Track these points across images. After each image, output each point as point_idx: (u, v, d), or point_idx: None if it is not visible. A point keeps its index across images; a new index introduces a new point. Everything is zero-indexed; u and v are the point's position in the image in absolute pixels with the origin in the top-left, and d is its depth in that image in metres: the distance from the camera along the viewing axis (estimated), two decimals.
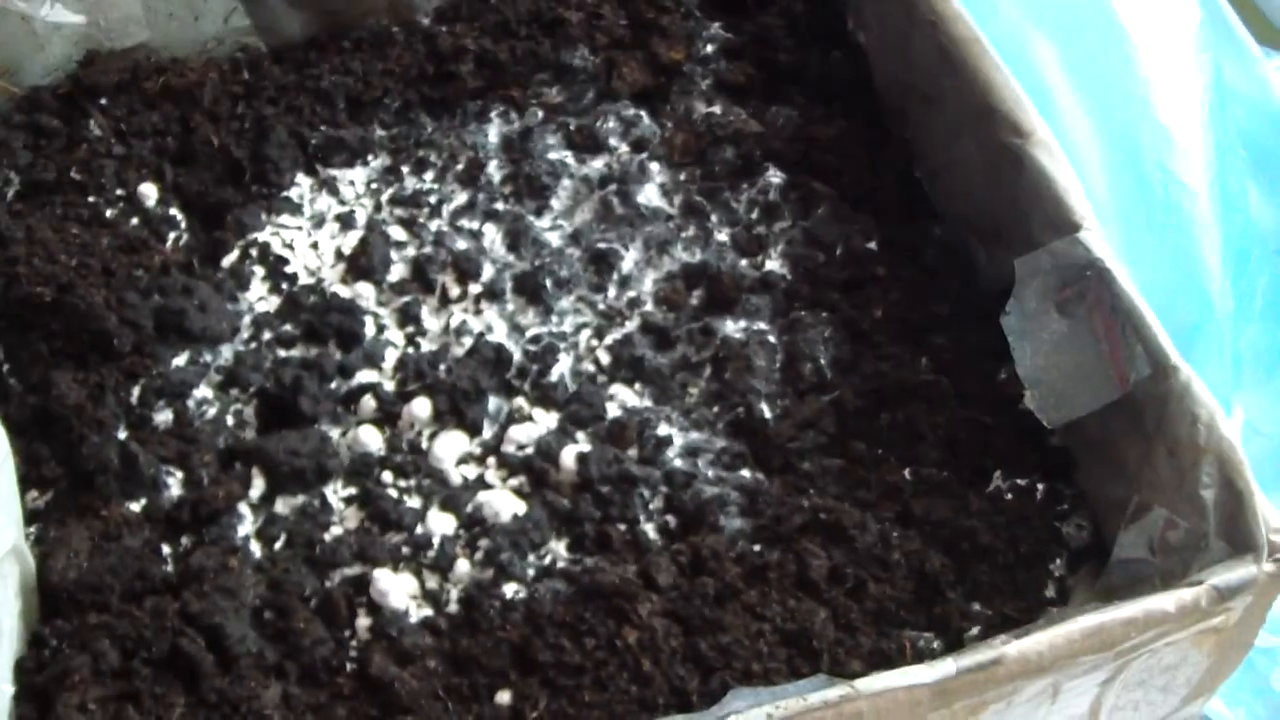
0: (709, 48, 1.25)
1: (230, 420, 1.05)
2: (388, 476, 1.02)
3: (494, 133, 1.22)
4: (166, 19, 1.25)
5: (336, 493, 1.01)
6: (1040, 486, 0.98)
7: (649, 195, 1.16)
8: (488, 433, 1.04)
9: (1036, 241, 1.00)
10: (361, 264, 1.12)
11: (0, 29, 1.20)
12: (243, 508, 1.00)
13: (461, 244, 1.13)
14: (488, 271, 1.11)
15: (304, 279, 1.13)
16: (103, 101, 1.21)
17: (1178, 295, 0.97)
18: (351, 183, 1.19)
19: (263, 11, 1.26)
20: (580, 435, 1.03)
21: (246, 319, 1.10)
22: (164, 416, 1.05)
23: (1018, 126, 1.03)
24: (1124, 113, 1.30)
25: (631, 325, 1.09)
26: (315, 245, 1.15)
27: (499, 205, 1.16)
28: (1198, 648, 0.85)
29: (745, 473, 1.01)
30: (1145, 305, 0.93)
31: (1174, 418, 0.90)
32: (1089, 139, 1.29)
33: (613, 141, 1.19)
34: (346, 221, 1.16)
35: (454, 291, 1.11)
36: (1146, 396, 0.92)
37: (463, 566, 0.96)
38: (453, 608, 0.95)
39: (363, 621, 0.94)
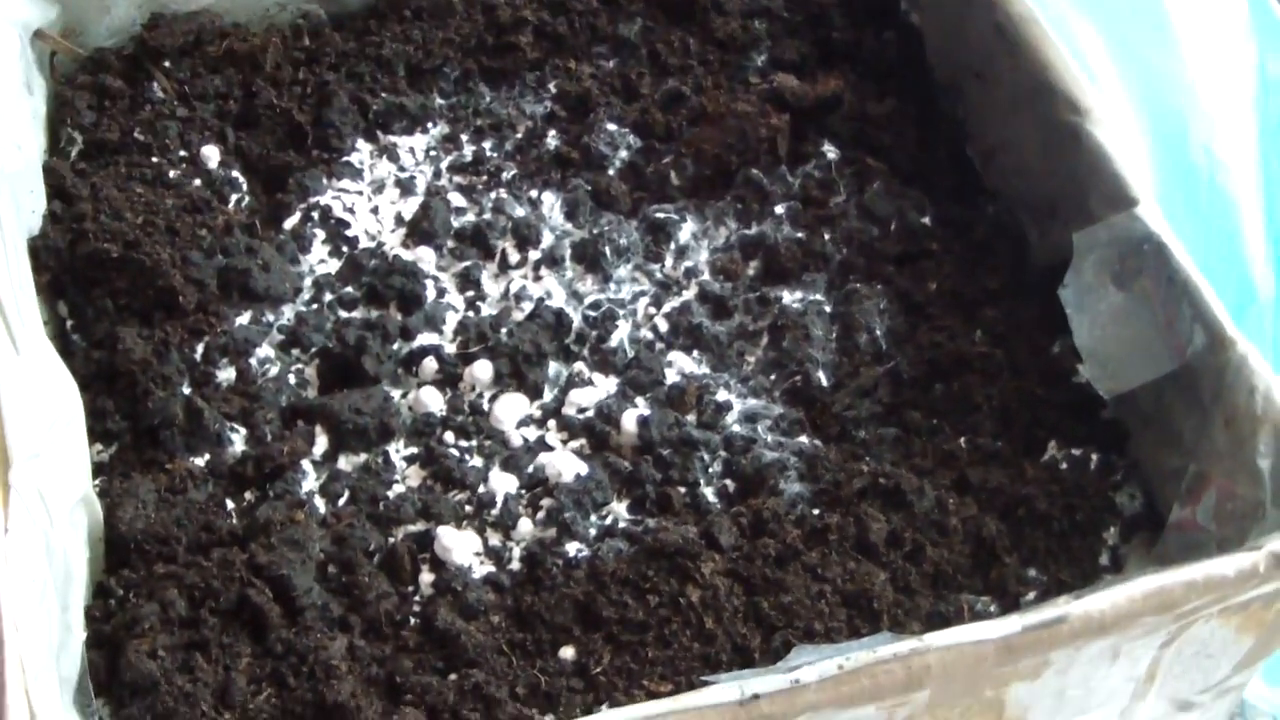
0: (763, 24, 1.27)
1: (292, 379, 1.07)
2: (449, 436, 1.03)
3: (552, 104, 1.23)
4: None
5: (399, 451, 1.03)
6: (1094, 457, 1.00)
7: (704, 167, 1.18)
8: (548, 396, 1.05)
9: (1093, 217, 1.01)
10: (422, 229, 1.14)
11: None
12: (306, 464, 1.02)
13: (520, 211, 1.15)
14: (547, 239, 1.13)
15: (364, 242, 1.14)
16: (166, 64, 1.23)
17: (1220, 278, 0.98)
18: (411, 149, 1.21)
19: None
20: (640, 400, 1.04)
21: (308, 280, 1.12)
22: (227, 374, 1.06)
23: (1076, 104, 1.05)
24: (1169, 97, 1.31)
25: (689, 294, 1.11)
26: (375, 210, 1.16)
27: (556, 174, 1.18)
28: (1246, 619, 0.87)
29: (803, 439, 1.02)
30: (1202, 279, 0.95)
31: (1231, 388, 0.91)
32: (1134, 121, 1.30)
33: (668, 115, 1.20)
34: (406, 187, 1.18)
35: (514, 257, 1.12)
36: (1203, 367, 0.93)
37: (525, 525, 0.98)
38: (515, 565, 0.96)
39: (426, 577, 0.95)
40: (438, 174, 1.19)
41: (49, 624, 0.84)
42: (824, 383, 1.05)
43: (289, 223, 1.15)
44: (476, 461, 1.02)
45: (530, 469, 1.01)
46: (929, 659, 0.79)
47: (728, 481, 1.00)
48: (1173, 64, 1.34)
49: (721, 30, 1.26)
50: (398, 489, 1.01)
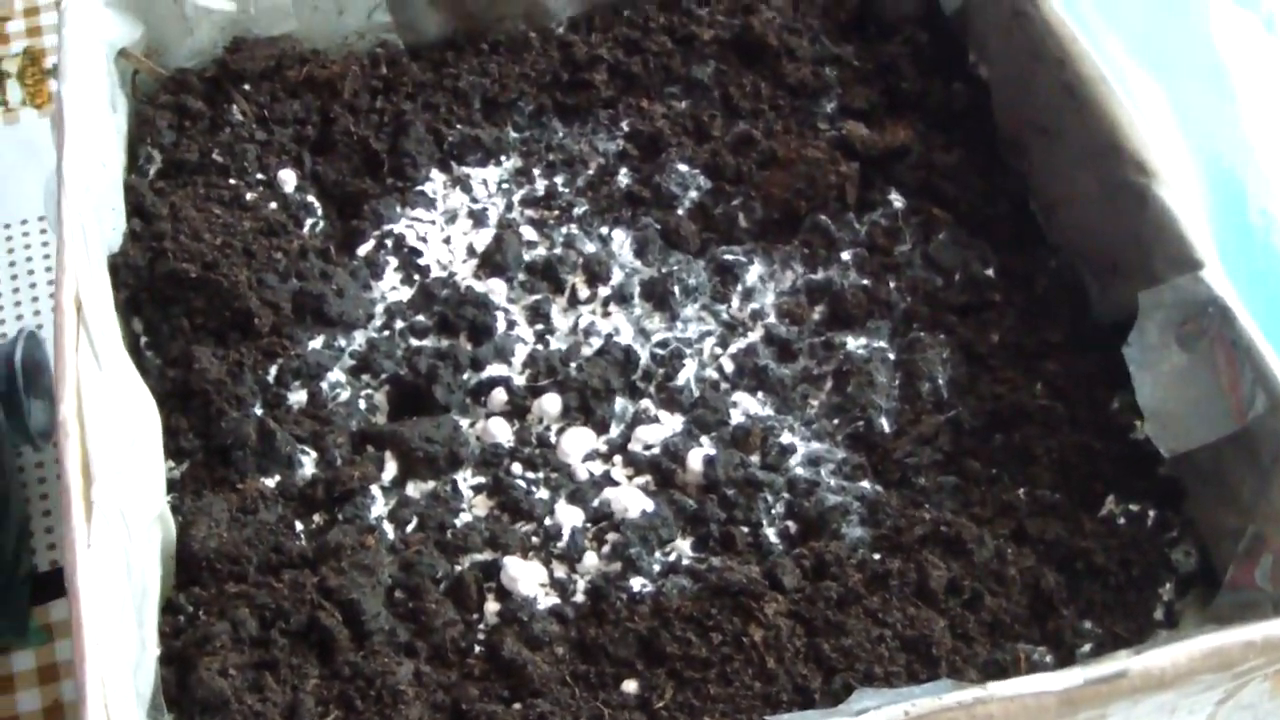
0: (834, 72, 1.29)
1: (362, 404, 1.08)
2: (517, 468, 1.04)
3: (624, 142, 1.25)
4: (312, 11, 1.29)
5: (466, 480, 1.04)
6: (1151, 513, 1.01)
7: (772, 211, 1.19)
8: (615, 431, 1.07)
9: (1157, 277, 1.02)
10: (494, 260, 1.16)
11: (151, 11, 1.24)
12: (375, 490, 1.03)
13: (591, 247, 1.17)
14: (616, 275, 1.15)
15: (436, 272, 1.16)
16: (246, 87, 1.25)
17: (1274, 341, 1.00)
18: (484, 181, 1.22)
19: (405, 9, 1.30)
20: (705, 439, 1.06)
21: (380, 307, 1.14)
22: (299, 397, 1.08)
23: (1143, 165, 1.06)
24: (1228, 156, 1.32)
25: (755, 336, 1.12)
26: (448, 240, 1.18)
27: (627, 212, 1.20)
28: None
29: (865, 484, 1.04)
30: (1265, 343, 0.96)
31: None
32: (1192, 180, 1.31)
33: (739, 157, 1.22)
34: (479, 219, 1.20)
35: (583, 293, 1.14)
36: (1264, 430, 0.95)
37: (591, 559, 0.99)
38: (580, 597, 0.97)
39: (491, 606, 0.97)
40: (510, 207, 1.21)
41: (127, 639, 0.86)
42: (886, 429, 1.06)
43: (363, 249, 1.17)
44: (543, 494, 1.03)
45: (596, 503, 1.02)
46: (992, 708, 0.80)
47: (790, 523, 1.01)
48: (1231, 122, 1.35)
49: (793, 76, 1.27)
50: (465, 518, 1.02)
